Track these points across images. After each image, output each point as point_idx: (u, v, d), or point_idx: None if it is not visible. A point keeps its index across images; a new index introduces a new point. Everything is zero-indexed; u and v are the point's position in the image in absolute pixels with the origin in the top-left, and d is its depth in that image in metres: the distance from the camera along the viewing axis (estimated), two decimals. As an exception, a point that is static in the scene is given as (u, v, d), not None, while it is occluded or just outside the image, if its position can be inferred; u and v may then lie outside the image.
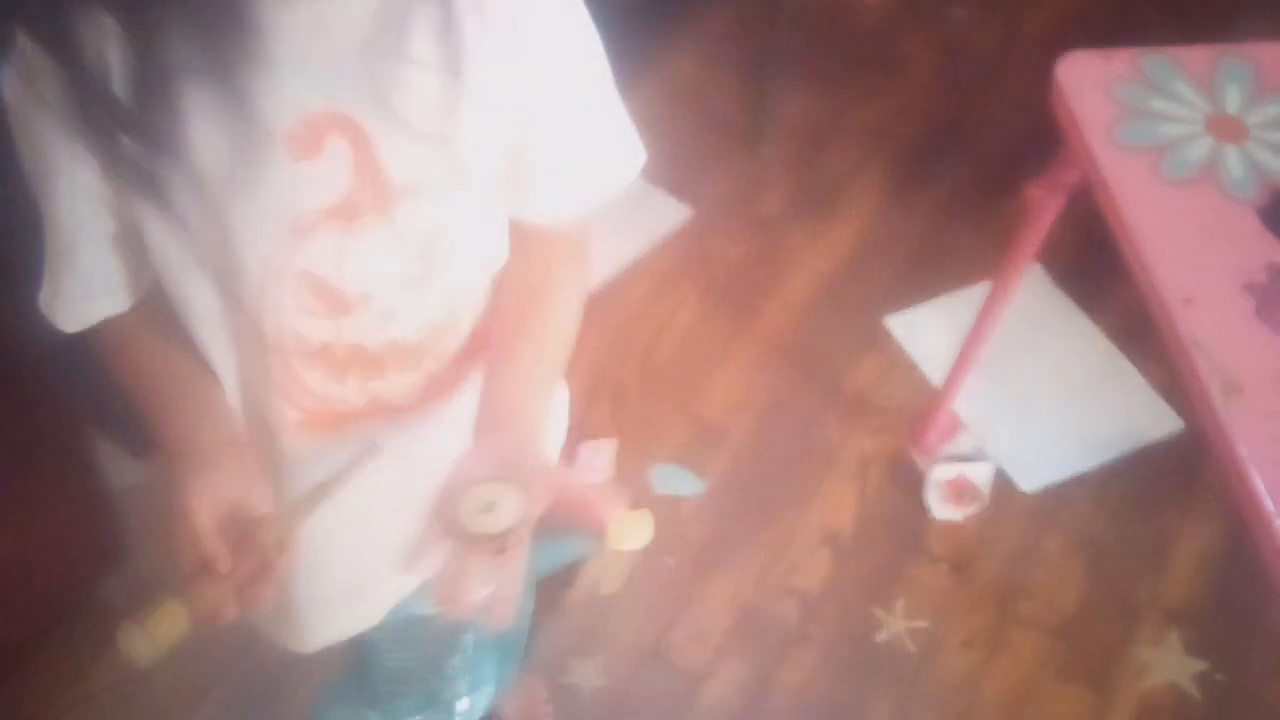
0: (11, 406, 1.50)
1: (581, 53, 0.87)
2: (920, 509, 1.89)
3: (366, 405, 0.94)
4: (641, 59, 2.40)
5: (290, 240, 0.82)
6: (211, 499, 0.82)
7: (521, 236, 0.94)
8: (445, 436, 0.89)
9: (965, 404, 1.95)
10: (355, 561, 1.02)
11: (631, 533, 1.92)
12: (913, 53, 2.54)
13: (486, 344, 0.95)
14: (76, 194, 0.81)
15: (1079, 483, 1.92)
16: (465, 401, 0.92)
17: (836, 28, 2.56)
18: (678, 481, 1.92)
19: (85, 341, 0.91)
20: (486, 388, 0.90)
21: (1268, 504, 1.07)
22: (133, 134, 0.75)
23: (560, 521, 0.81)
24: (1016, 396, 2.02)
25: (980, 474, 1.91)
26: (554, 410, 1.04)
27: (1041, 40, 2.28)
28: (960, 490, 1.90)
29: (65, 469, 1.64)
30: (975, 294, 1.87)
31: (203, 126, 0.75)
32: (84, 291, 0.88)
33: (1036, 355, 2.07)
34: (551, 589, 1.75)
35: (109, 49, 0.73)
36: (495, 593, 0.76)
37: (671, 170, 2.21)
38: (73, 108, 0.75)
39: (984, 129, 2.34)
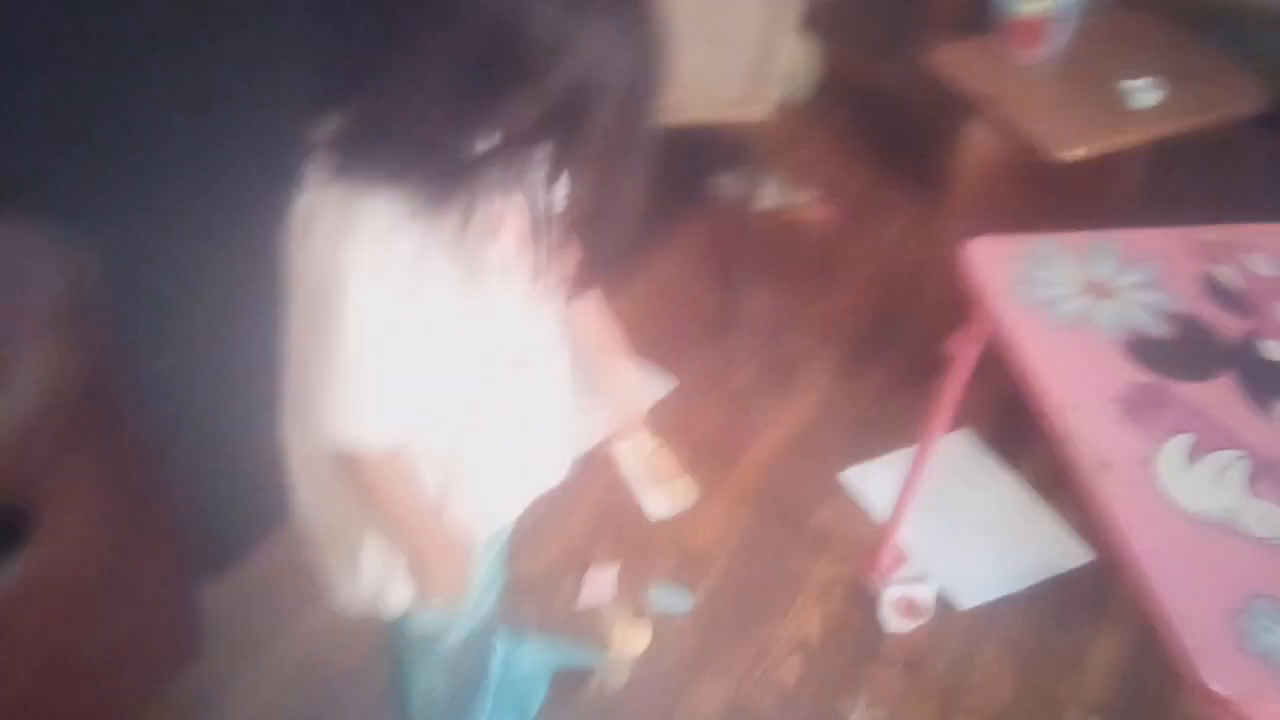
0: (128, 502, 1.81)
1: None
2: (876, 623, 2.22)
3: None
4: (637, 262, 2.88)
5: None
6: None
7: None
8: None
9: (911, 539, 2.32)
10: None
11: (632, 639, 2.26)
12: (854, 260, 3.04)
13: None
14: None
15: (1007, 602, 2.28)
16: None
17: (792, 240, 3.08)
18: (671, 599, 2.25)
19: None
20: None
21: (1132, 547, 1.44)
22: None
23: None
24: (954, 534, 2.39)
25: (925, 594, 2.26)
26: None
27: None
28: (909, 608, 2.24)
29: (165, 565, 1.93)
30: (914, 453, 2.27)
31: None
32: None
33: (969, 502, 2.46)
34: (565, 685, 2.05)
35: None
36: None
37: (659, 348, 2.64)
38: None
39: (914, 320, 2.82)
